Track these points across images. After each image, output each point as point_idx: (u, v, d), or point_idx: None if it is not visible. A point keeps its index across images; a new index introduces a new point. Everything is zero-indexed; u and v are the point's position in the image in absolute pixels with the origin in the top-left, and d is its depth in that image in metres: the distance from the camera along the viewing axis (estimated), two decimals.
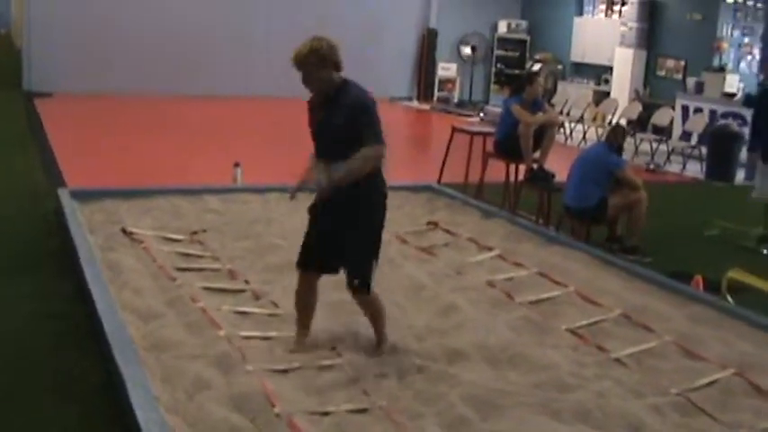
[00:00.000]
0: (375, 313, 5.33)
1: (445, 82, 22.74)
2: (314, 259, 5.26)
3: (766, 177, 9.72)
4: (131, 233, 7.51)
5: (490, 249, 7.94)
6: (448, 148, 11.28)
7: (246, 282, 6.55)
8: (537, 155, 9.85)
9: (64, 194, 8.35)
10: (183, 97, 18.30)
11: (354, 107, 4.94)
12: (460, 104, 22.03)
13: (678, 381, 5.32)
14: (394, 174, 11.06)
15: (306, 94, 5.18)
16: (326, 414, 4.49)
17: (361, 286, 5.13)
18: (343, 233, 5.10)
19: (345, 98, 4.98)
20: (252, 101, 19.05)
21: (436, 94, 22.62)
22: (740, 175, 14.80)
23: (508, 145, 9.83)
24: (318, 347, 5.34)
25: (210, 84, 19.30)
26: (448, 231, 8.49)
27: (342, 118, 4.94)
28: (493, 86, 23.48)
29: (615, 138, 8.95)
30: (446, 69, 22.70)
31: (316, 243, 5.23)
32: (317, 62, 4.96)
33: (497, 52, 23.38)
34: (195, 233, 7.70)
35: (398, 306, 6.22)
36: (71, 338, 5.51)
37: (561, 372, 5.27)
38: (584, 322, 6.25)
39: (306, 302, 5.39)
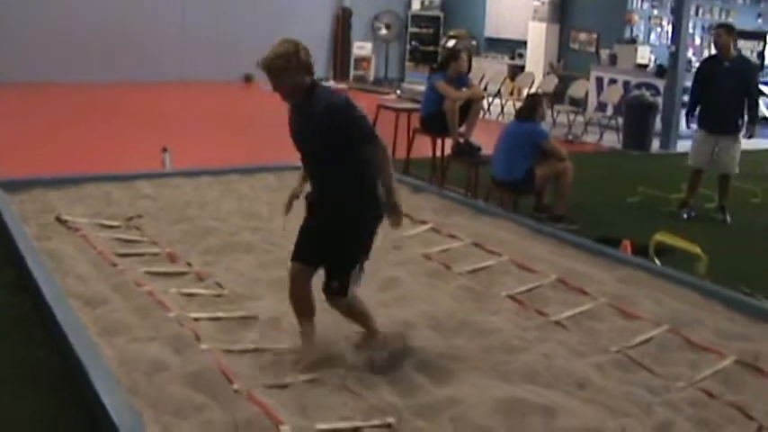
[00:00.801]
0: (354, 315, 5.06)
1: (361, 61, 22.83)
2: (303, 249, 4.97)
3: (701, 144, 10.02)
4: (66, 221, 7.48)
5: (423, 223, 8.10)
6: (374, 126, 11.37)
7: (189, 264, 6.60)
8: (462, 129, 10.04)
9: None
10: (110, 84, 18.05)
11: (328, 113, 4.62)
12: (377, 83, 22.16)
13: (616, 339, 5.56)
14: None
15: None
16: (284, 387, 4.60)
17: (337, 291, 4.83)
18: (332, 237, 4.80)
19: (317, 105, 4.66)
20: (180, 86, 18.91)
21: (352, 73, 22.70)
22: (656, 144, 15.21)
23: (434, 121, 10.02)
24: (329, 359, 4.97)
25: (139, 70, 19.07)
26: None
27: (317, 126, 4.66)
28: (408, 64, 23.62)
29: (534, 106, 9.13)
30: (361, 48, 22.79)
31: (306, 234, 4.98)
32: (288, 68, 4.65)
33: (412, 30, 23.52)
34: (131, 219, 7.71)
35: None
36: (20, 328, 5.49)
37: (506, 336, 5.46)
38: (522, 288, 6.45)
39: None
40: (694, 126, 10.54)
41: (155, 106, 16.40)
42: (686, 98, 10.41)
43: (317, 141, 4.72)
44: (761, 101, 18.01)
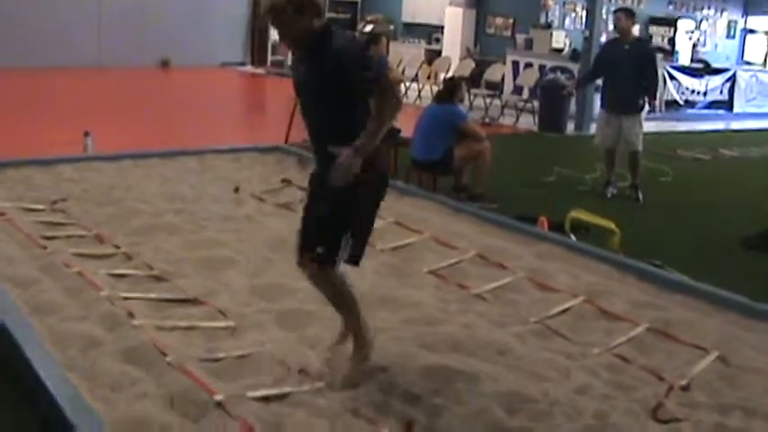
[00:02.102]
0: (338, 297, 4.62)
1: (278, 45, 22.83)
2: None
3: (605, 124, 10.37)
4: None
5: None
6: (294, 109, 11.49)
7: (116, 246, 6.65)
8: None
9: None
10: (26, 70, 17.81)
11: (340, 57, 4.25)
12: None
13: (535, 311, 5.80)
14: (237, 137, 11.35)
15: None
16: (217, 360, 4.73)
17: (321, 258, 4.40)
18: (325, 196, 4.42)
19: (329, 48, 4.28)
20: (98, 72, 18.74)
21: (270, 57, 22.71)
22: (570, 126, 15.58)
23: None
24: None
25: (56, 56, 18.88)
26: (301, 188, 8.75)
27: (325, 72, 4.27)
28: None
29: (453, 88, 9.35)
30: None
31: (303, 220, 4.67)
32: (294, 11, 4.24)
33: (329, 15, 23.54)
34: (55, 202, 7.72)
35: (266, 259, 6.51)
36: None
37: (428, 309, 5.67)
38: (444, 264, 6.65)
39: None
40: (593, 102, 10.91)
41: (73, 92, 16.29)
42: (600, 81, 10.74)
43: (323, 87, 4.31)
44: (670, 84, 18.66)
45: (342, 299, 4.61)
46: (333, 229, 4.39)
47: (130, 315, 5.18)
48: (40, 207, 7.60)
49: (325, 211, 4.41)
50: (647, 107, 10.31)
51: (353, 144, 4.23)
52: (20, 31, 18.50)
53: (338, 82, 4.25)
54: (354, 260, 4.55)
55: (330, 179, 4.27)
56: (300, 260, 4.62)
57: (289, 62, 22.40)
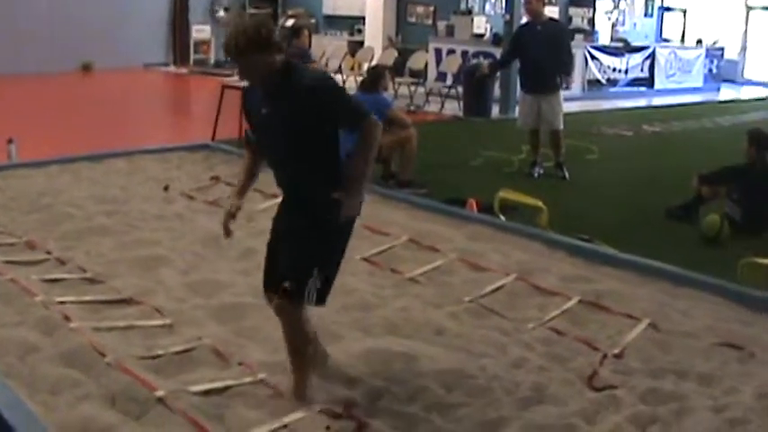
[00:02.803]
0: (296, 337, 4.31)
1: (200, 44, 22.75)
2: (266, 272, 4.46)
3: (526, 105, 10.54)
4: None
5: (274, 197, 8.26)
6: (219, 107, 11.50)
7: (48, 252, 6.60)
8: None
9: None
10: None
11: (314, 91, 4.02)
12: (218, 65, 22.08)
13: (468, 290, 5.90)
14: (163, 137, 11.30)
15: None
16: (156, 357, 4.74)
17: (289, 293, 4.12)
18: (294, 231, 4.22)
19: (297, 83, 4.04)
20: (16, 78, 18.36)
21: (192, 56, 22.58)
22: (495, 110, 15.73)
23: None
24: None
25: None
26: (230, 184, 8.75)
27: (296, 110, 4.04)
28: None
29: (377, 77, 9.42)
30: (200, 31, 22.72)
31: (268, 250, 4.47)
32: (260, 48, 3.96)
33: (250, 10, 23.47)
34: None
35: (199, 255, 6.54)
36: None
37: (363, 294, 5.76)
38: (376, 250, 6.73)
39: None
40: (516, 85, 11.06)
41: None
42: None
43: (296, 128, 4.07)
44: (591, 64, 18.93)
45: (298, 339, 4.31)
46: (302, 263, 4.14)
47: (66, 318, 5.16)
48: None
49: (296, 248, 4.18)
50: (563, 85, 10.46)
51: (350, 187, 4.11)
52: None
53: (313, 118, 4.03)
54: (321, 298, 4.28)
55: (340, 217, 4.13)
56: (267, 296, 4.44)
57: (211, 61, 22.42)
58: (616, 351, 5.00)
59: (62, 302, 5.47)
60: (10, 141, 9.79)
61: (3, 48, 19.10)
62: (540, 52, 10.20)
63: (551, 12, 15.69)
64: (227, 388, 4.40)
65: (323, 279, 4.18)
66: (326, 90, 4.08)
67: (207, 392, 4.34)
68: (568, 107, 10.59)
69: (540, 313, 5.55)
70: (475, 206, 8.08)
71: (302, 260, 4.14)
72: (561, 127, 10.40)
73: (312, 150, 4.12)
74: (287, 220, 4.30)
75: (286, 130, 4.09)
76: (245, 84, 4.38)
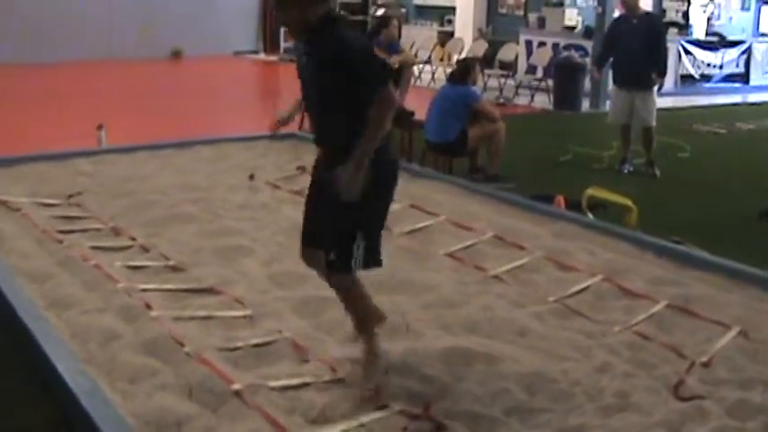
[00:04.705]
0: (352, 302, 4.42)
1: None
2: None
3: (618, 100, 10.33)
4: (5, 201, 7.47)
5: None
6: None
7: (132, 238, 6.65)
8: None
9: None
10: (35, 65, 17.76)
11: (340, 49, 4.03)
12: None
13: (553, 290, 5.76)
14: (252, 126, 11.32)
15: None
16: (235, 349, 4.71)
17: (336, 266, 4.18)
18: (329, 198, 4.12)
19: (329, 39, 4.06)
20: (108, 64, 18.68)
21: (282, 44, 22.66)
22: (585, 104, 15.49)
23: None
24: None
25: (65, 49, 18.81)
26: None
27: (325, 63, 4.08)
28: None
29: (466, 69, 9.32)
30: None
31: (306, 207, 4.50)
32: (296, 3, 4.04)
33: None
34: (71, 196, 7.72)
35: (282, 246, 6.48)
36: None
37: (446, 291, 5.65)
38: (460, 246, 6.62)
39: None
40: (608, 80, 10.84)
41: (85, 85, 16.28)
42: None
43: (320, 79, 4.13)
44: (685, 59, 18.51)
45: (353, 303, 4.41)
46: (342, 234, 4.14)
47: (148, 307, 5.18)
48: (56, 202, 7.61)
49: (333, 214, 4.16)
50: (658, 85, 10.21)
51: (351, 162, 3.98)
52: (30, 26, 18.48)
53: (338, 74, 4.02)
54: (376, 262, 4.28)
55: (337, 193, 4.02)
56: (303, 253, 4.49)
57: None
58: (704, 359, 4.81)
59: (144, 290, 5.50)
60: (100, 127, 9.91)
61: (96, 33, 19.44)
62: (635, 46, 9.96)
63: (645, 4, 15.34)
64: (304, 384, 4.35)
65: (368, 241, 4.17)
66: (352, 50, 4.06)
67: (284, 388, 4.29)
68: (660, 103, 10.33)
69: (627, 316, 5.38)
70: (563, 203, 7.92)
71: (342, 225, 4.15)
72: (653, 124, 10.17)
73: (340, 105, 4.12)
74: (324, 179, 4.26)
75: (314, 82, 4.20)
76: None
